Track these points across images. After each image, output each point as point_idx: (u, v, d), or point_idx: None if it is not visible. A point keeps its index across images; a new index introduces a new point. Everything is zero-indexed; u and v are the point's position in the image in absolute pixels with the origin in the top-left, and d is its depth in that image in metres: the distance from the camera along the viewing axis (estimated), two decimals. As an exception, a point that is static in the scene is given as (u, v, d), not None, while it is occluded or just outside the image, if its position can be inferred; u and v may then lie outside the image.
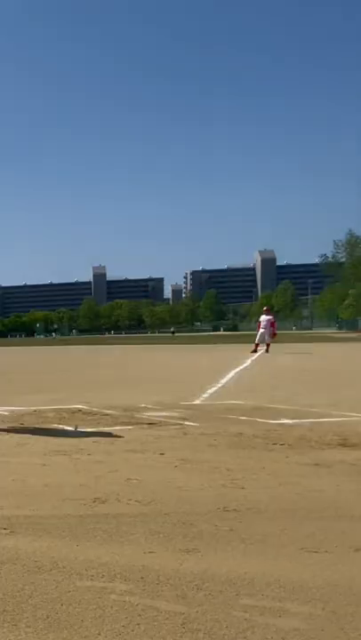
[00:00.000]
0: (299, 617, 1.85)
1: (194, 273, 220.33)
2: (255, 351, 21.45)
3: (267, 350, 21.58)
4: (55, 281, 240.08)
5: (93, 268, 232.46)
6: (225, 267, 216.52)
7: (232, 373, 12.10)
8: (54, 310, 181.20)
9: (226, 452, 4.36)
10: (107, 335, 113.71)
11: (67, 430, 5.50)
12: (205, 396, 8.19)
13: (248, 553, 2.38)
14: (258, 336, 22.26)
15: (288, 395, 8.10)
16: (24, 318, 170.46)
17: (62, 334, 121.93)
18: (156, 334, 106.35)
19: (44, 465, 4.04)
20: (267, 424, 5.61)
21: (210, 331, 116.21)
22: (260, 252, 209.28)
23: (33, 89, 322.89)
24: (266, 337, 22.18)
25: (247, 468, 3.82)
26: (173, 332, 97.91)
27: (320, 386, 9.35)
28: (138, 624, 1.82)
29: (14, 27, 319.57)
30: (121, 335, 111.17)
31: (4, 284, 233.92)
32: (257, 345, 21.87)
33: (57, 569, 2.25)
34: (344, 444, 4.60)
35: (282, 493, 3.24)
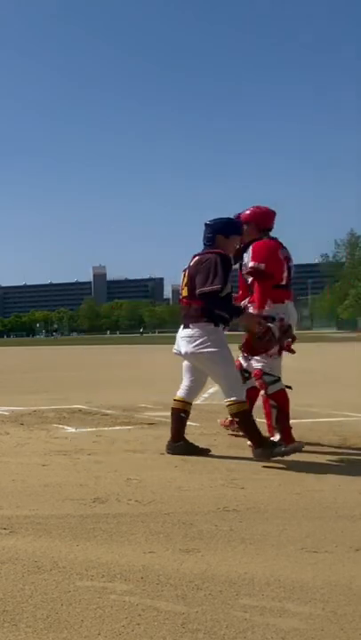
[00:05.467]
0: (299, 617, 1.85)
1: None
2: None
3: None
4: (55, 281, 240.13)
5: (93, 268, 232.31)
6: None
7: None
8: (54, 310, 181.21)
9: (226, 452, 4.36)
10: (106, 335, 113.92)
11: (67, 430, 5.50)
12: (205, 395, 8.19)
13: (248, 553, 2.38)
14: None
15: (288, 395, 8.08)
16: (24, 318, 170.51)
17: (62, 334, 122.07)
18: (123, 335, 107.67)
19: (44, 465, 4.04)
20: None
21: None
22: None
23: (32, 87, 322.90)
24: None
25: (247, 468, 3.82)
26: (142, 333, 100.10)
27: (320, 386, 9.35)
28: (138, 624, 1.82)
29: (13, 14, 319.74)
30: (115, 335, 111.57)
31: (3, 284, 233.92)
32: None
33: (57, 569, 2.25)
34: (344, 444, 4.60)
35: (282, 493, 3.24)
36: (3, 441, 5.02)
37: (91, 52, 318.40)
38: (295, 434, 5.04)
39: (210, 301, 4.00)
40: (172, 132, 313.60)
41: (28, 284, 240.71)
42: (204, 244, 4.23)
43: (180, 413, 4.35)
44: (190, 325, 4.11)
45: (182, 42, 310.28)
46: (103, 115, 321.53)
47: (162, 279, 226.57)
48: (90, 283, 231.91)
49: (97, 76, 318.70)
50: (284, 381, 4.43)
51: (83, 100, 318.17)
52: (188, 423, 5.74)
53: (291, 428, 4.38)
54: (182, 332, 4.18)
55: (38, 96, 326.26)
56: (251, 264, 4.37)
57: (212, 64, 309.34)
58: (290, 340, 4.25)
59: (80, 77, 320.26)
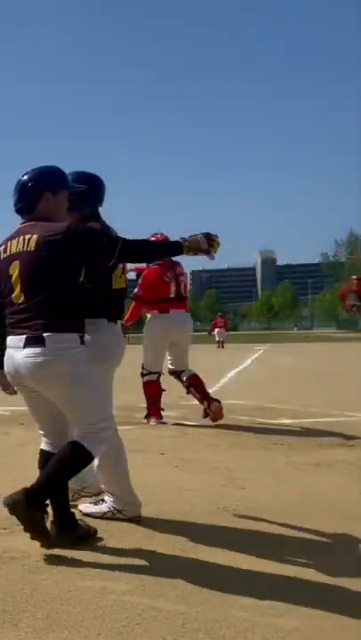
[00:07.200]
0: (299, 617, 1.85)
1: (194, 273, 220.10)
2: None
3: (222, 346, 26.59)
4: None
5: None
6: (225, 267, 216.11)
7: (232, 373, 12.09)
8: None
9: (226, 452, 4.36)
10: None
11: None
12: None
13: (248, 553, 2.38)
14: (217, 335, 27.74)
15: (288, 395, 8.09)
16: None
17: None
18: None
19: (44, 465, 4.03)
20: (267, 424, 5.61)
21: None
22: (260, 251, 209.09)
23: (30, 84, 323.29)
24: (223, 335, 27.93)
25: (247, 468, 3.82)
26: None
27: (320, 386, 9.34)
28: (138, 624, 1.82)
29: None
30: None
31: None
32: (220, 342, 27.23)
33: (57, 569, 2.25)
34: (344, 444, 4.60)
35: (282, 493, 3.24)
36: (3, 441, 5.01)
37: (91, 54, 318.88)
38: (296, 434, 5.05)
39: None
40: (171, 130, 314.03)
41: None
42: None
43: None
44: None
45: (183, 42, 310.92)
46: (103, 114, 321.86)
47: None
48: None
49: (97, 76, 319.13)
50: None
51: (82, 101, 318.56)
52: (187, 423, 5.75)
53: (158, 408, 5.58)
54: None
55: (37, 95, 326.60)
56: (135, 290, 5.48)
57: (216, 71, 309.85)
58: None
59: (80, 75, 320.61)
